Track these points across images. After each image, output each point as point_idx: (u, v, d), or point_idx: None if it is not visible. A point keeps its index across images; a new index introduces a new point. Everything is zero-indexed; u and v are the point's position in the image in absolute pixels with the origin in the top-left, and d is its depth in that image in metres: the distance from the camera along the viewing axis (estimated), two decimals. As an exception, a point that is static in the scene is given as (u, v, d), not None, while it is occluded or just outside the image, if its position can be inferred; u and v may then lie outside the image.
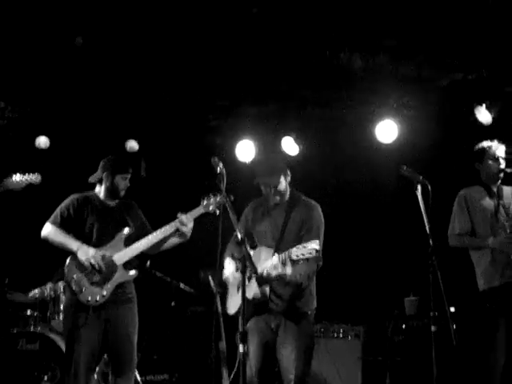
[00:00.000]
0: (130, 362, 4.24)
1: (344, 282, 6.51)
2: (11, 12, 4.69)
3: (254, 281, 3.87)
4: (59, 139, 7.09)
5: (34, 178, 4.16)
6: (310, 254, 3.66)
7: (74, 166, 7.06)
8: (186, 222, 4.22)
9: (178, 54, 5.36)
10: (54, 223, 4.22)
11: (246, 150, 6.70)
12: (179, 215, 4.24)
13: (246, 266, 3.14)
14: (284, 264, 3.75)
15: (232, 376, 4.11)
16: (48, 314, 5.92)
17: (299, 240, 3.90)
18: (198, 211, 4.29)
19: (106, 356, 4.59)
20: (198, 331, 6.53)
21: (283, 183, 4.08)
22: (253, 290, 3.89)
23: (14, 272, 6.35)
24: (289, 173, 4.15)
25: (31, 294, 6.02)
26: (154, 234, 4.28)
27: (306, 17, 4.84)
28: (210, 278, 5.74)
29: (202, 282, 5.83)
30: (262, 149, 6.67)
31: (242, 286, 3.14)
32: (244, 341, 3.03)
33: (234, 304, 4.07)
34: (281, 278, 3.80)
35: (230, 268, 4.14)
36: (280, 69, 5.58)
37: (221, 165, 3.55)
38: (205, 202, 4.28)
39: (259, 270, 3.77)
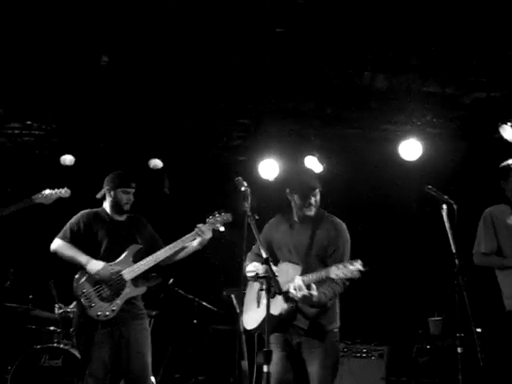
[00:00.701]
0: (145, 379, 4.22)
1: (368, 302, 6.45)
2: (39, 31, 4.78)
3: (279, 297, 3.72)
4: (84, 157, 7.18)
5: (63, 192, 4.20)
6: (353, 274, 3.57)
7: (99, 183, 7.13)
8: (205, 230, 4.24)
9: (202, 74, 5.40)
10: (63, 238, 4.24)
11: (269, 169, 6.70)
12: (199, 225, 4.26)
13: (270, 285, 3.11)
14: (308, 287, 3.69)
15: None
16: (71, 330, 5.94)
17: (326, 257, 3.88)
18: (206, 228, 4.28)
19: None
20: (219, 349, 6.50)
21: (318, 196, 4.00)
22: (279, 306, 3.82)
23: (37, 289, 6.41)
24: (320, 187, 4.03)
25: (55, 310, 6.05)
26: (167, 248, 4.28)
27: (330, 35, 4.85)
28: (233, 297, 5.73)
29: (224, 300, 5.81)
30: (285, 167, 6.67)
31: (267, 306, 3.11)
32: (268, 360, 3.00)
33: (252, 319, 4.00)
34: (306, 298, 3.73)
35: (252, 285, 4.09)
36: (303, 87, 5.60)
37: (245, 184, 3.55)
38: (211, 220, 4.29)
39: (285, 288, 3.70)
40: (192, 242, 4.33)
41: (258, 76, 5.45)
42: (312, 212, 4.00)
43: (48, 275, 7.06)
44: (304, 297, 3.70)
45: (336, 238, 3.95)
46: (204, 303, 6.40)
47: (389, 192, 6.75)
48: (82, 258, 4.15)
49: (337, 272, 3.61)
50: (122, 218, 4.39)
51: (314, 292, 3.69)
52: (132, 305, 4.22)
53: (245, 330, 4.06)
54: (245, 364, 5.49)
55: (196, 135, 6.84)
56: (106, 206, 4.40)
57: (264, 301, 3.78)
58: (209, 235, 4.26)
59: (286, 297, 3.75)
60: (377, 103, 5.90)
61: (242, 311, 4.28)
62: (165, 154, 7.10)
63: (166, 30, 4.80)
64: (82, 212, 4.37)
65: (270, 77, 5.45)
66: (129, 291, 4.19)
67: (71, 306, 5.94)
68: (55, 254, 4.27)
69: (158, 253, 4.26)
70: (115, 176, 4.41)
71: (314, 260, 3.91)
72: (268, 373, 2.99)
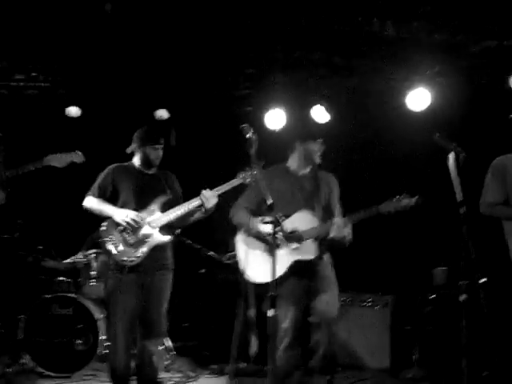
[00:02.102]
0: (159, 327, 4.35)
1: (373, 252, 6.49)
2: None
3: (309, 242, 4.11)
4: (90, 108, 7.15)
5: (76, 156, 4.20)
6: (404, 208, 4.01)
7: (105, 135, 7.13)
8: (209, 197, 4.27)
9: (208, 24, 5.31)
10: (92, 194, 4.35)
11: (275, 119, 6.66)
12: (203, 191, 4.29)
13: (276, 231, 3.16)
14: (346, 226, 4.06)
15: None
16: (80, 280, 6.05)
17: (328, 205, 4.23)
18: (235, 182, 4.34)
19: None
20: (227, 298, 6.59)
21: None
22: (313, 250, 4.14)
23: (47, 239, 6.49)
24: None
25: (67, 260, 6.15)
26: (183, 205, 4.34)
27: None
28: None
29: (231, 250, 5.87)
30: (292, 118, 6.63)
31: (274, 249, 3.17)
32: (274, 305, 3.06)
33: (267, 271, 3.96)
34: (343, 238, 4.10)
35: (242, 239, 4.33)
36: (311, 36, 5.50)
37: (251, 131, 3.56)
38: (241, 175, 4.33)
39: (316, 231, 4.09)
40: (197, 213, 4.38)
41: (264, 25, 5.35)
42: (315, 162, 4.32)
43: (56, 226, 7.17)
44: (343, 236, 4.07)
45: (334, 189, 4.37)
46: (211, 253, 6.46)
47: (395, 142, 6.71)
48: (109, 209, 4.26)
49: (388, 207, 4.01)
50: (152, 171, 4.46)
51: (351, 231, 4.11)
52: (159, 254, 4.31)
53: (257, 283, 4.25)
54: (252, 312, 5.58)
55: (202, 85, 6.77)
56: (136, 161, 4.47)
57: (281, 251, 4.07)
58: (213, 201, 4.28)
59: (320, 239, 4.13)
60: (385, 52, 5.79)
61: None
62: (171, 104, 7.06)
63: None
64: (109, 167, 4.45)
65: (277, 26, 5.35)
66: (155, 239, 4.26)
67: (78, 255, 6.04)
68: (88, 211, 4.36)
69: (181, 206, 4.33)
70: (143, 132, 4.46)
71: (320, 209, 4.17)
72: (273, 317, 3.04)
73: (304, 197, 4.27)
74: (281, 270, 4.08)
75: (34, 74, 6.71)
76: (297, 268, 4.16)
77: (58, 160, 4.09)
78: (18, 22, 5.35)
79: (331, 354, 4.22)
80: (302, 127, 4.48)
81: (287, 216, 4.18)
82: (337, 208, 4.33)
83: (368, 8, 5.12)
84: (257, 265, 4.22)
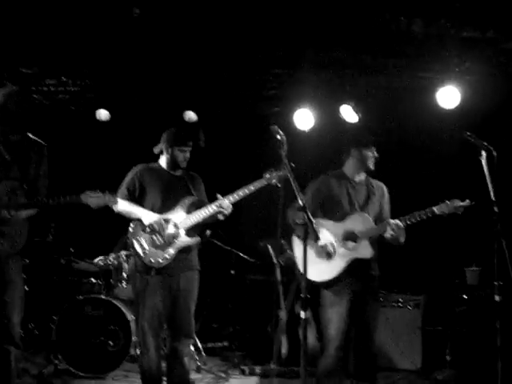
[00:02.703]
0: (188, 327, 4.37)
1: (404, 251, 6.41)
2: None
3: (366, 242, 4.23)
4: (119, 111, 7.22)
5: (112, 200, 4.10)
6: (458, 210, 4.12)
7: (135, 137, 7.19)
8: (226, 207, 4.29)
9: (233, 23, 5.32)
10: (120, 196, 4.36)
11: (304, 119, 6.64)
12: (219, 198, 4.31)
13: (307, 231, 3.15)
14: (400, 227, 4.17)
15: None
16: (111, 281, 6.11)
17: (380, 213, 4.39)
18: (260, 183, 4.35)
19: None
20: (257, 300, 6.59)
21: None
22: (369, 249, 4.26)
23: (79, 242, 6.57)
24: None
25: (96, 260, 6.21)
26: (206, 208, 4.36)
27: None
28: (270, 247, 5.78)
29: (261, 251, 5.88)
30: (321, 118, 6.60)
31: (304, 252, 3.17)
32: (306, 307, 3.05)
33: (321, 270, 4.22)
34: (398, 239, 4.22)
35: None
36: (338, 34, 5.47)
37: (280, 132, 3.56)
38: (267, 176, 4.34)
39: (374, 232, 4.23)
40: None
41: (292, 24, 5.34)
42: (372, 165, 4.42)
43: (87, 228, 7.25)
44: (399, 237, 4.18)
45: (385, 197, 4.48)
46: (241, 254, 6.48)
47: (426, 140, 6.64)
48: (137, 211, 4.31)
49: (443, 209, 4.11)
50: (178, 172, 4.49)
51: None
52: (185, 255, 4.35)
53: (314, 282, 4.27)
54: (282, 313, 5.57)
55: (230, 86, 6.78)
56: (163, 161, 4.50)
57: (340, 250, 4.25)
58: (229, 210, 4.31)
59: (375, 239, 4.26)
60: (413, 50, 5.73)
61: (278, 261, 4.46)
62: (199, 106, 7.09)
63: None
64: (135, 167, 4.49)
65: (304, 25, 5.33)
66: (182, 240, 4.30)
67: (109, 256, 6.09)
68: (119, 214, 4.38)
69: (204, 209, 4.35)
70: (172, 133, 4.48)
71: (373, 215, 4.35)
72: (306, 319, 3.03)
73: (359, 202, 4.37)
74: (337, 268, 4.22)
75: (64, 79, 6.81)
76: (353, 267, 4.24)
77: (95, 200, 3.98)
78: (47, 29, 5.43)
79: (372, 359, 4.27)
80: (356, 133, 4.55)
81: (343, 220, 4.33)
82: (388, 216, 4.44)
83: (395, 6, 5.06)
84: (312, 264, 4.29)
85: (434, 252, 6.54)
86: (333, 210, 4.33)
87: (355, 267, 4.23)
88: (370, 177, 4.51)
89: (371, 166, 4.40)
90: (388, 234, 4.18)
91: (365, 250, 4.24)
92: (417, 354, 6.08)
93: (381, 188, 4.50)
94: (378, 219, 4.36)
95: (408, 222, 4.17)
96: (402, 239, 4.24)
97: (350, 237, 4.26)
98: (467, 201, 4.07)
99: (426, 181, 6.60)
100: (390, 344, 6.09)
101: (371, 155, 4.39)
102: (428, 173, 6.59)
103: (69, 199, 3.90)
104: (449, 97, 5.99)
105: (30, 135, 4.00)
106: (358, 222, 4.27)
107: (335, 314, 4.21)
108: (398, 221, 4.17)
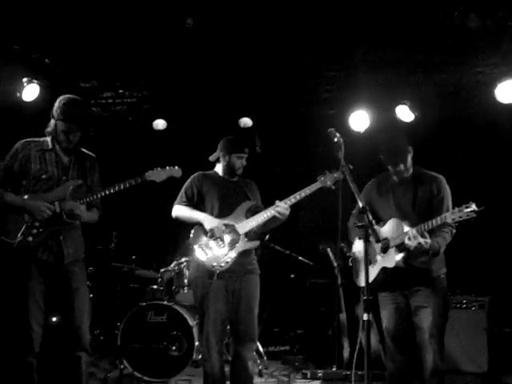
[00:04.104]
0: (252, 332, 4.38)
1: (468, 251, 6.28)
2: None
3: (392, 250, 4.12)
4: (176, 120, 7.34)
5: (174, 171, 4.31)
6: (468, 216, 3.81)
7: (191, 146, 7.30)
8: (283, 211, 4.31)
9: (288, 29, 5.34)
10: (180, 202, 4.50)
11: (359, 120, 6.60)
12: (277, 203, 4.33)
13: (368, 233, 3.13)
14: (422, 234, 3.95)
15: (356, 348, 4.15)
16: (173, 288, 6.20)
17: (431, 211, 4.10)
18: (314, 187, 4.37)
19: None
20: (317, 303, 6.58)
21: (408, 160, 4.25)
22: (393, 258, 4.12)
23: (141, 250, 6.71)
24: (411, 149, 4.27)
25: (159, 274, 6.31)
26: (264, 212, 4.39)
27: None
28: (329, 250, 5.76)
29: (320, 254, 5.86)
30: (376, 118, 6.54)
31: (365, 254, 3.15)
32: (369, 309, 3.03)
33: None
34: (421, 246, 3.96)
35: (358, 244, 4.35)
36: (391, 34, 5.41)
37: (338, 135, 3.54)
38: (322, 178, 4.36)
39: (399, 240, 4.03)
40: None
41: (344, 26, 5.31)
42: (403, 175, 4.25)
43: (148, 237, 7.39)
44: (419, 244, 3.93)
45: (438, 193, 4.18)
46: (300, 258, 6.47)
47: (487, 137, 6.48)
48: (198, 215, 4.39)
49: (452, 216, 3.87)
50: (234, 179, 4.57)
51: (428, 240, 3.95)
52: (245, 259, 4.40)
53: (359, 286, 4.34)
54: (343, 316, 5.54)
55: (284, 91, 6.80)
56: (219, 169, 4.59)
57: (378, 257, 4.21)
58: (287, 213, 4.33)
59: (401, 249, 4.06)
60: (469, 45, 5.61)
61: (338, 264, 4.43)
62: (254, 111, 7.13)
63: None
64: (194, 175, 4.58)
65: (356, 26, 5.30)
66: (242, 245, 4.35)
67: (171, 266, 6.19)
68: (177, 219, 4.51)
69: (262, 213, 4.39)
70: (229, 141, 4.57)
71: (417, 217, 4.11)
72: (368, 321, 3.01)
73: (396, 203, 4.28)
74: (372, 275, 4.18)
75: (121, 91, 6.98)
76: (384, 275, 4.20)
77: (158, 175, 4.20)
78: (104, 44, 5.59)
79: (440, 372, 4.12)
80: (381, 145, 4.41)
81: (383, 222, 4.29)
82: (443, 210, 4.11)
83: (449, 1, 4.98)
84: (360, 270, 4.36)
85: (499, 251, 6.36)
86: (374, 216, 4.16)
87: (386, 275, 4.20)
88: (425, 169, 4.33)
89: (400, 175, 4.25)
90: (405, 242, 3.99)
91: (390, 259, 4.15)
92: (483, 356, 5.92)
93: (433, 182, 4.22)
94: (429, 215, 4.10)
95: (426, 229, 3.98)
96: (424, 247, 3.96)
97: (383, 244, 4.19)
98: (473, 206, 3.80)
99: (488, 179, 6.45)
100: (455, 346, 5.94)
101: (397, 168, 4.25)
102: (488, 170, 6.43)
103: (134, 181, 4.04)
104: (507, 91, 5.85)
105: (82, 149, 4.16)
106: (390, 228, 4.20)
107: (384, 317, 4.28)
108: (414, 230, 3.97)
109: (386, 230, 4.22)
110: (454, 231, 4.14)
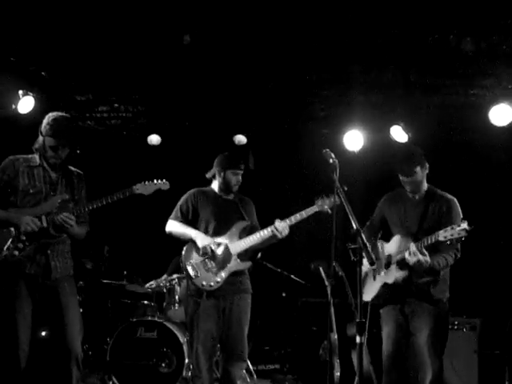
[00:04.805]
0: (242, 350, 4.37)
1: (458, 271, 6.29)
2: (120, 12, 4.88)
3: (393, 267, 4.15)
4: (170, 136, 7.35)
5: (162, 184, 4.30)
6: (459, 234, 3.80)
7: (185, 162, 7.30)
8: (282, 230, 4.32)
9: (282, 46, 5.37)
10: (175, 218, 4.49)
11: (353, 140, 6.62)
12: (276, 222, 4.35)
13: (362, 255, 3.13)
14: (421, 251, 3.93)
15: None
16: (164, 304, 6.16)
17: (435, 227, 4.06)
18: (311, 210, 4.40)
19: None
20: (309, 322, 6.55)
21: (419, 174, 4.21)
22: (393, 274, 4.15)
23: (132, 265, 6.68)
24: (427, 166, 4.26)
25: (147, 285, 6.29)
26: (258, 232, 4.40)
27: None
28: (321, 269, 5.75)
29: (312, 273, 5.85)
30: (371, 139, 6.57)
31: (359, 276, 3.15)
32: (361, 332, 3.01)
33: (368, 291, 4.31)
34: (420, 264, 3.96)
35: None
36: (386, 55, 5.46)
37: (333, 156, 3.56)
38: (319, 202, 4.39)
39: (399, 257, 4.06)
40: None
41: (339, 45, 5.36)
42: (416, 192, 4.27)
43: (140, 251, 7.36)
44: (418, 261, 3.94)
45: (448, 214, 4.18)
46: (292, 276, 6.45)
47: (481, 159, 6.52)
48: (191, 232, 4.38)
49: (445, 234, 3.86)
50: (230, 196, 4.55)
51: (428, 258, 3.94)
52: (237, 278, 4.39)
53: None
54: (334, 337, 5.51)
55: (279, 109, 6.83)
56: (215, 185, 4.58)
57: (382, 273, 4.25)
58: (285, 232, 4.34)
59: (401, 266, 4.09)
60: (463, 68, 5.67)
61: (330, 283, 4.44)
62: (249, 129, 7.15)
63: (246, 7, 4.78)
64: (189, 191, 4.58)
65: (352, 46, 5.34)
66: (234, 265, 4.35)
67: (162, 279, 6.16)
68: (170, 235, 4.51)
69: (257, 234, 4.40)
70: (225, 157, 4.57)
71: (423, 235, 4.09)
72: (361, 344, 2.99)
73: (405, 220, 4.29)
74: (373, 292, 4.26)
75: (116, 105, 6.99)
76: (385, 291, 4.23)
77: (146, 188, 4.19)
78: (100, 58, 5.60)
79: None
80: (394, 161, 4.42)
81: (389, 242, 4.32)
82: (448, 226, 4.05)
83: (444, 25, 5.03)
84: (368, 284, 4.39)
85: (491, 273, 6.37)
86: (388, 231, 4.35)
87: (387, 291, 4.22)
88: (439, 189, 4.34)
89: (412, 192, 4.28)
90: (405, 257, 4.02)
91: (390, 275, 4.19)
92: (473, 378, 5.90)
93: (444, 202, 4.24)
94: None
95: (425, 246, 3.99)
96: (424, 265, 3.97)
97: (387, 260, 4.24)
98: (464, 225, 3.81)
99: (480, 200, 6.47)
100: (446, 368, 5.91)
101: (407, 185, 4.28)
102: (481, 191, 6.46)
103: (121, 194, 4.02)
104: (502, 114, 5.89)
105: (70, 166, 4.15)
106: (394, 245, 4.24)
107: (384, 334, 4.28)
108: (414, 247, 3.98)
109: (391, 246, 4.26)
110: (459, 256, 4.15)
